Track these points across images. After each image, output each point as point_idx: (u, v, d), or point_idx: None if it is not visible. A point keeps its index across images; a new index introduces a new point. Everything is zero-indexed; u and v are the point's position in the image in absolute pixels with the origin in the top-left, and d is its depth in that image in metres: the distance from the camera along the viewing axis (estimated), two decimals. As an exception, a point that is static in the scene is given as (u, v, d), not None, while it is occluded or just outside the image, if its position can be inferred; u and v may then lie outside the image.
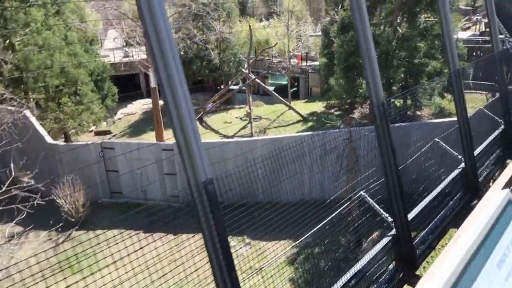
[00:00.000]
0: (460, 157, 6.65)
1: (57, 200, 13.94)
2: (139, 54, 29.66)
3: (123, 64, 33.27)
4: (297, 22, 36.21)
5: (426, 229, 5.17)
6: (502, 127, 8.60)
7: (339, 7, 18.12)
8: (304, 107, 28.32)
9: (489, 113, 8.77)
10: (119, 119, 29.64)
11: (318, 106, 27.54)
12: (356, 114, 25.13)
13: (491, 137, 8.20)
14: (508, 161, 7.54)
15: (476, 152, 6.86)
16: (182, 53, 28.74)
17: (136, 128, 27.25)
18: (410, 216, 5.01)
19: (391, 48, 14.97)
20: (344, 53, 15.69)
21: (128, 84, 34.93)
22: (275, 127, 25.05)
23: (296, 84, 34.38)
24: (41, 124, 17.61)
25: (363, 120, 22.72)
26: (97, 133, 26.53)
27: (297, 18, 38.99)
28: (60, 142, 18.15)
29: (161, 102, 28.58)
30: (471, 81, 26.29)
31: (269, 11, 45.89)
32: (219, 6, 24.46)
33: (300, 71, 32.55)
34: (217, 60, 25.20)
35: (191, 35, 22.59)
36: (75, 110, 18.63)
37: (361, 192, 6.28)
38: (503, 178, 4.20)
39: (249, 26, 24.75)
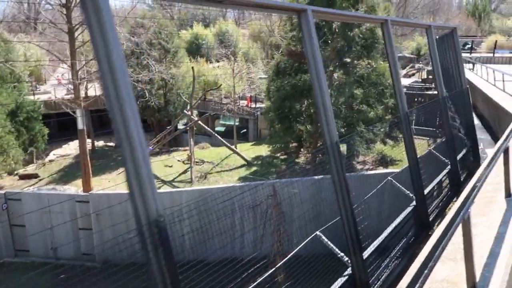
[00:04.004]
0: (411, 195, 5.76)
1: None
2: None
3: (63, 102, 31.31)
4: (248, 64, 36.20)
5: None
6: (449, 167, 7.98)
7: (279, 51, 17.71)
8: (251, 150, 27.42)
9: (437, 153, 8.15)
10: (51, 161, 27.24)
11: (265, 150, 26.72)
12: (302, 158, 24.47)
13: (439, 177, 7.51)
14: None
15: (426, 191, 6.08)
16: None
17: (68, 172, 24.99)
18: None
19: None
20: (279, 98, 15.04)
21: (69, 123, 32.91)
22: (218, 172, 23.80)
23: (246, 125, 33.75)
24: None
25: (307, 166, 22.01)
26: (22, 177, 24.04)
27: (249, 60, 39.08)
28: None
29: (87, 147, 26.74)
30: (413, 127, 26.66)
31: (225, 53, 46.03)
32: (157, 46, 23.58)
33: (250, 113, 32.01)
34: (153, 101, 23.95)
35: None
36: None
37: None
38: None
39: (192, 68, 23.98)
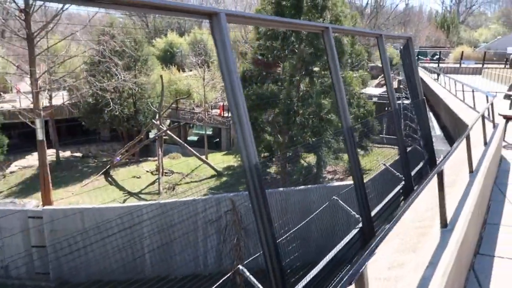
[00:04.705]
0: (357, 216, 5.37)
1: None
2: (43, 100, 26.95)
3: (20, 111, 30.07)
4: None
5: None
6: (403, 182, 7.80)
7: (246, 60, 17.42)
8: (222, 159, 26.93)
9: (391, 169, 7.98)
10: (12, 172, 25.97)
11: (237, 159, 26.29)
12: (274, 168, 24.15)
13: (391, 194, 7.27)
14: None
15: (377, 209, 5.71)
16: (90, 100, 26.55)
17: (29, 185, 23.84)
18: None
19: (293, 105, 14.22)
20: (244, 108, 14.70)
21: (34, 133, 31.58)
22: (187, 183, 23.17)
23: (219, 134, 33.35)
24: None
25: (277, 176, 21.70)
26: (-21, 190, 22.78)
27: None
28: None
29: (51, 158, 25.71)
30: (384, 136, 26.89)
31: (195, 62, 45.64)
32: (126, 54, 22.93)
33: (222, 122, 31.61)
34: (118, 110, 23.24)
35: (91, 82, 20.66)
36: None
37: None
38: None
39: (160, 76, 23.41)
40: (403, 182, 6.13)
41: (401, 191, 5.98)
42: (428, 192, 2.97)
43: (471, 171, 4.00)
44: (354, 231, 4.44)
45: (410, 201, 2.45)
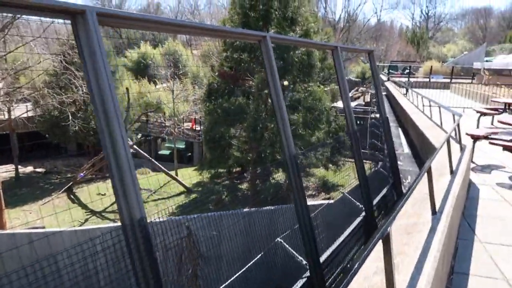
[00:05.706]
0: (304, 262, 4.65)
1: None
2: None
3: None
4: (194, 85, 35.19)
5: None
6: (364, 214, 7.18)
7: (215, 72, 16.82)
8: (193, 174, 26.07)
9: (351, 198, 7.36)
10: (-35, 190, 24.25)
11: (202, 176, 25.45)
12: (245, 184, 23.46)
13: (349, 230, 6.61)
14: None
15: (330, 251, 5.01)
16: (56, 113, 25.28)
17: (-17, 203, 22.23)
18: None
19: (261, 120, 13.67)
20: (210, 123, 14.05)
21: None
22: (154, 200, 22.18)
23: (191, 148, 32.58)
24: None
25: (248, 192, 21.03)
26: None
27: (199, 82, 37.95)
28: None
29: (5, 174, 24.23)
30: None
31: (164, 74, 44.74)
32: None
33: (194, 136, 30.85)
34: (76, 125, 22.20)
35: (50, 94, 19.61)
36: None
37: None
38: None
39: (126, 89, 22.53)
40: (363, 213, 5.56)
41: (361, 224, 5.40)
42: (379, 244, 2.37)
43: (434, 213, 3.47)
44: (301, 282, 3.78)
45: (356, 268, 1.88)
